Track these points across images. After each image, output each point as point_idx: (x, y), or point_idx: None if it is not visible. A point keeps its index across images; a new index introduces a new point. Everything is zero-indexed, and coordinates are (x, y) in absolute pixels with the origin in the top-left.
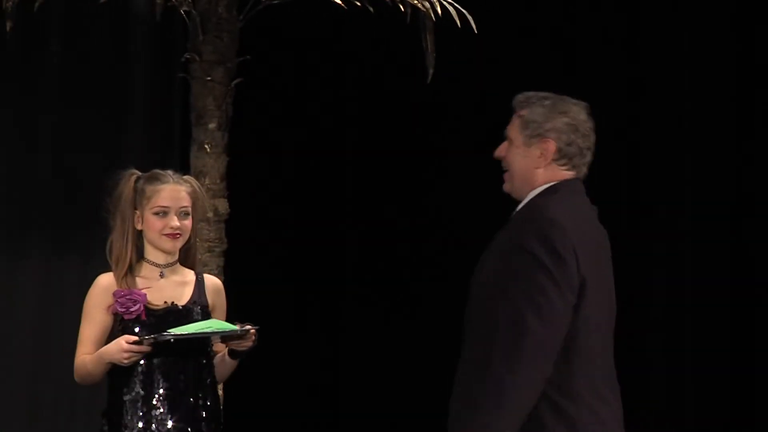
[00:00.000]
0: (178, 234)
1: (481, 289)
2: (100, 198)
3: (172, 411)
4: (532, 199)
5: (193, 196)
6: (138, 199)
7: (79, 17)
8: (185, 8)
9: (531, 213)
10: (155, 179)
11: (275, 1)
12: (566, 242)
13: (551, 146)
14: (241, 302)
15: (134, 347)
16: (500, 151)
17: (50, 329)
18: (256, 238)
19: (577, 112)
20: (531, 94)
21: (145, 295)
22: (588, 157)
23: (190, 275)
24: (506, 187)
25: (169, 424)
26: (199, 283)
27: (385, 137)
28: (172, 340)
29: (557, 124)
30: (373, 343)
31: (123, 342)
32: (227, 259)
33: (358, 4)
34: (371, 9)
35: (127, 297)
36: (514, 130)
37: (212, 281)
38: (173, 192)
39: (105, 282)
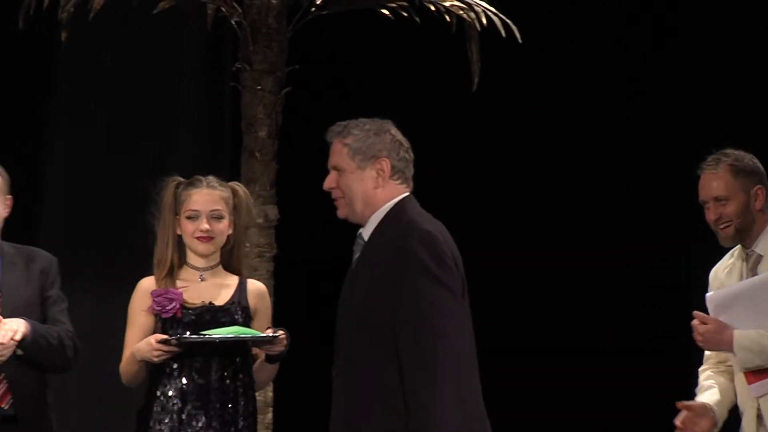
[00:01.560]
0: (208, 237)
1: (365, 312)
2: (149, 205)
3: (203, 411)
4: (391, 220)
5: (235, 201)
6: (176, 205)
7: (132, 27)
8: (236, 19)
9: (403, 231)
10: (190, 185)
11: (324, 12)
12: (446, 251)
13: (386, 165)
14: (288, 307)
15: (163, 346)
16: (330, 182)
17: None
18: (304, 243)
19: (394, 128)
20: (343, 123)
21: (182, 293)
22: (412, 168)
23: (232, 279)
24: (342, 212)
25: (201, 423)
26: (241, 286)
27: (431, 145)
28: (199, 341)
29: (386, 143)
30: None
31: (152, 340)
32: (276, 264)
33: (405, 14)
34: (417, 19)
35: (164, 296)
36: (342, 159)
37: (255, 285)
38: (204, 196)
39: (145, 285)
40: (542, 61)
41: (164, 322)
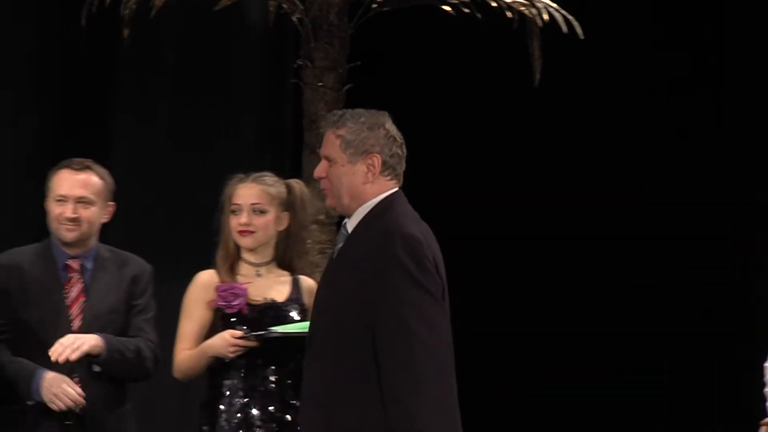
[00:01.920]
0: (247, 231)
1: (340, 307)
2: (214, 202)
3: (270, 405)
4: (376, 217)
5: (290, 198)
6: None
7: (194, 24)
8: (297, 15)
9: (386, 230)
10: (239, 180)
11: (385, 8)
12: (428, 255)
13: (377, 161)
14: None
15: (240, 342)
16: (320, 171)
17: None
18: None
19: (389, 123)
20: (340, 112)
21: (246, 289)
22: (404, 164)
23: (286, 276)
24: (329, 202)
25: (266, 417)
26: (296, 283)
27: (492, 143)
28: (276, 337)
29: (379, 138)
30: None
31: (228, 336)
32: None
33: (467, 10)
34: (479, 15)
35: (229, 291)
36: (334, 150)
37: (308, 282)
38: (245, 190)
39: (204, 279)
40: (603, 57)
41: (226, 318)
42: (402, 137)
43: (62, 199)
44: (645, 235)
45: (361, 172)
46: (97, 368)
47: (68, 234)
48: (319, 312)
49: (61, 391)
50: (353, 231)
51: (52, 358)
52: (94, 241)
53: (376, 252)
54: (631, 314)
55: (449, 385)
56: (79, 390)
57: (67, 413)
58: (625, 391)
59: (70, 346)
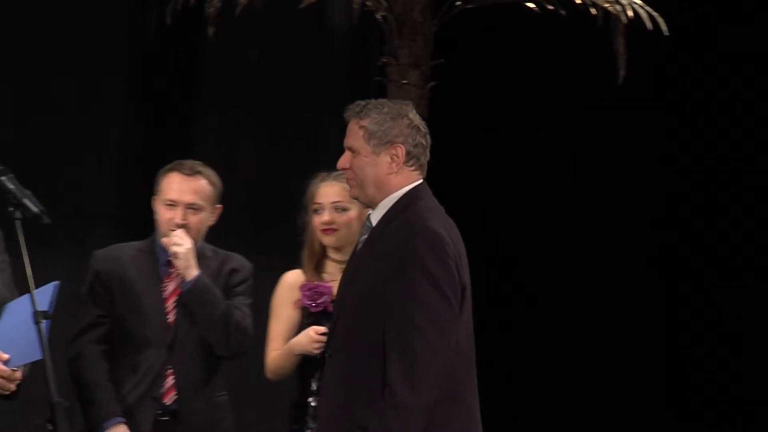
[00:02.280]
0: (330, 229)
1: (362, 299)
2: (298, 201)
3: None
4: (400, 209)
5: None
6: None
7: (278, 23)
8: (381, 13)
9: (409, 224)
10: (320, 180)
11: (469, 5)
12: (450, 252)
13: (401, 151)
14: None
15: (324, 338)
16: (344, 162)
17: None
18: None
19: (413, 112)
20: (363, 102)
21: (331, 287)
22: (428, 154)
23: None
24: (353, 193)
25: None
26: None
27: (580, 138)
28: None
29: (403, 128)
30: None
31: (312, 333)
32: None
33: (551, 7)
34: (563, 12)
35: (314, 290)
36: (357, 140)
37: None
38: (327, 188)
39: (290, 279)
40: (688, 53)
41: (313, 316)
42: (426, 127)
43: (172, 204)
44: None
45: (385, 163)
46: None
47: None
48: (341, 305)
49: None
50: (378, 223)
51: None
52: (199, 242)
53: (397, 245)
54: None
55: (449, 393)
56: None
57: None
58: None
59: (178, 239)
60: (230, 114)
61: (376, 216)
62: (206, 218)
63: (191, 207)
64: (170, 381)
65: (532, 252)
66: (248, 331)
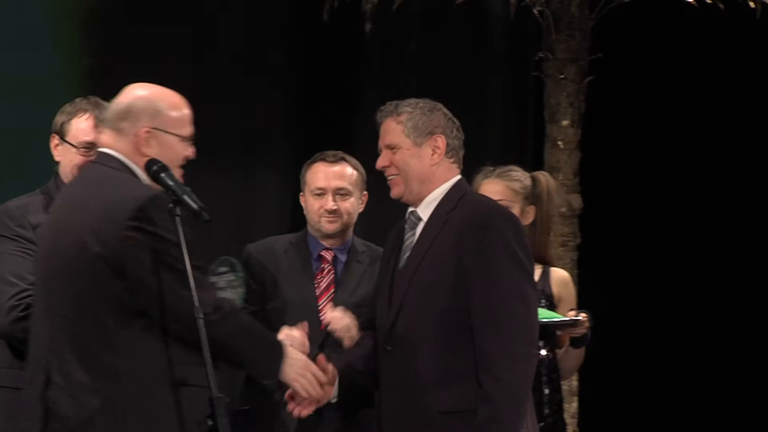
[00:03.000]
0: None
1: (433, 290)
2: None
3: None
4: (454, 199)
5: (537, 190)
6: None
7: (436, 18)
8: (538, 8)
9: (483, 210)
10: (483, 176)
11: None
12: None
13: (442, 142)
14: (592, 296)
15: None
16: (383, 161)
17: None
18: (608, 232)
19: (444, 108)
20: (395, 102)
21: None
22: (463, 148)
23: (537, 267)
24: (396, 191)
25: None
26: (545, 275)
27: (738, 135)
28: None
29: (440, 120)
30: (726, 348)
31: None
32: (580, 253)
33: (709, 0)
34: (721, 5)
35: None
36: (396, 136)
37: (559, 273)
38: (489, 186)
39: None
40: None
41: None
42: (458, 122)
43: (321, 192)
44: None
45: (427, 155)
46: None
47: (329, 226)
48: (402, 299)
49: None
50: (431, 216)
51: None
52: (350, 234)
53: (473, 232)
54: None
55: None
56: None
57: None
58: None
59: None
60: None
61: (424, 212)
62: (355, 204)
63: (339, 192)
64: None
65: (697, 244)
66: None
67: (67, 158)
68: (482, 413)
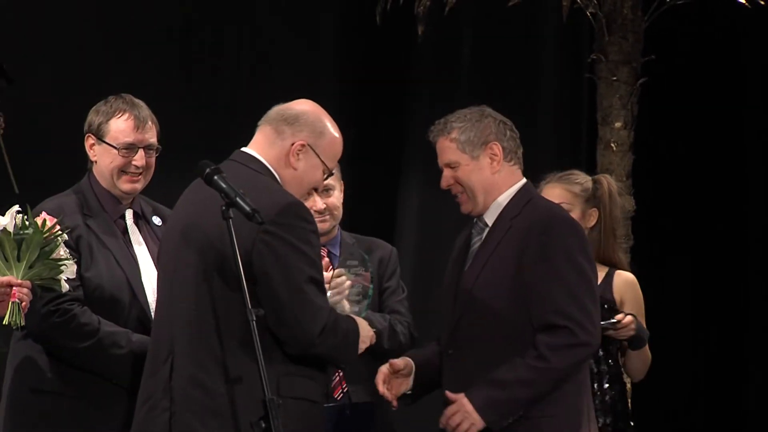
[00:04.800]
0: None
1: (496, 296)
2: None
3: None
4: (519, 205)
5: (599, 193)
6: None
7: (489, 20)
8: (591, 10)
9: (546, 217)
10: (545, 182)
11: (679, 1)
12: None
13: (498, 149)
14: (645, 298)
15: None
16: (447, 181)
17: None
18: (661, 234)
19: (492, 111)
20: (441, 120)
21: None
22: (521, 146)
23: (602, 269)
24: (466, 208)
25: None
26: (608, 278)
27: None
28: None
29: (491, 127)
30: None
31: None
32: (633, 255)
33: (762, 2)
34: None
35: None
36: (452, 154)
37: (623, 276)
38: (549, 190)
39: None
40: None
41: None
42: (510, 121)
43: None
44: None
45: (487, 165)
46: None
47: (323, 225)
48: (464, 304)
49: None
50: (496, 222)
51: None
52: (337, 227)
53: (535, 239)
54: None
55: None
56: None
57: None
58: None
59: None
60: (441, 112)
61: (489, 217)
62: (340, 197)
63: (324, 189)
64: (338, 376)
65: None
66: (414, 334)
67: (106, 159)
68: (515, 371)
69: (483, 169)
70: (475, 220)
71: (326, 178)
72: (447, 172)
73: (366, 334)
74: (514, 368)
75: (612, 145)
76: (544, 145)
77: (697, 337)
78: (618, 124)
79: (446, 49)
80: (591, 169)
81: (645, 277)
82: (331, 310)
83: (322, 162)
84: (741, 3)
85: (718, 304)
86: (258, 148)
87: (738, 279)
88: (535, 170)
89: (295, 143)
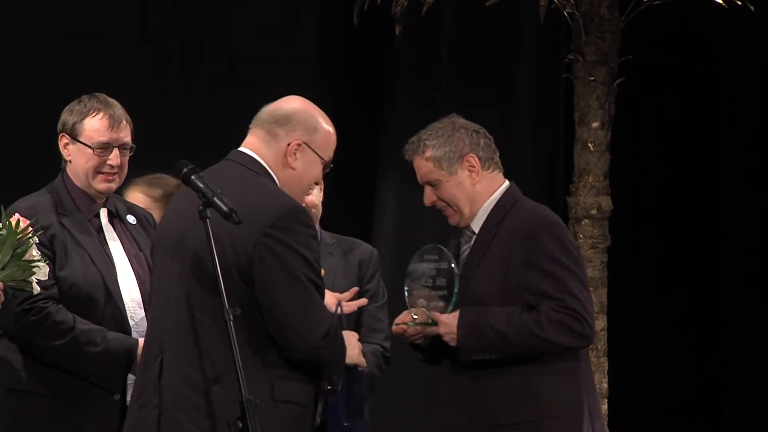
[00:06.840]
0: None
1: (486, 302)
2: None
3: None
4: (504, 210)
5: None
6: None
7: (466, 20)
8: (568, 10)
9: (526, 223)
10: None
11: (657, 2)
12: (570, 238)
13: (474, 160)
14: (622, 298)
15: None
16: (429, 198)
17: None
18: (638, 234)
19: (463, 120)
20: (414, 138)
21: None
22: (497, 150)
23: None
24: (454, 221)
25: None
26: None
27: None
28: None
29: (464, 139)
30: (759, 347)
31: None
32: (610, 255)
33: (739, 3)
34: (752, 8)
35: None
36: (430, 173)
37: None
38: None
39: None
40: None
41: None
42: (482, 127)
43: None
44: None
45: (466, 177)
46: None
47: None
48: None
49: None
50: (482, 229)
51: None
52: (317, 228)
53: (519, 243)
54: None
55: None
56: None
57: None
58: None
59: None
60: (419, 112)
61: (476, 224)
62: (320, 195)
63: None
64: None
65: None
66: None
67: (81, 159)
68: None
69: (463, 182)
70: (466, 227)
71: (327, 171)
72: (428, 190)
73: (353, 348)
74: (510, 320)
75: (589, 145)
76: (521, 145)
77: (674, 339)
78: (595, 124)
79: (424, 49)
80: (568, 169)
81: (621, 277)
82: (332, 315)
83: (320, 156)
84: (718, 3)
85: (693, 301)
86: (254, 149)
87: (715, 279)
88: (512, 170)
89: (291, 143)
